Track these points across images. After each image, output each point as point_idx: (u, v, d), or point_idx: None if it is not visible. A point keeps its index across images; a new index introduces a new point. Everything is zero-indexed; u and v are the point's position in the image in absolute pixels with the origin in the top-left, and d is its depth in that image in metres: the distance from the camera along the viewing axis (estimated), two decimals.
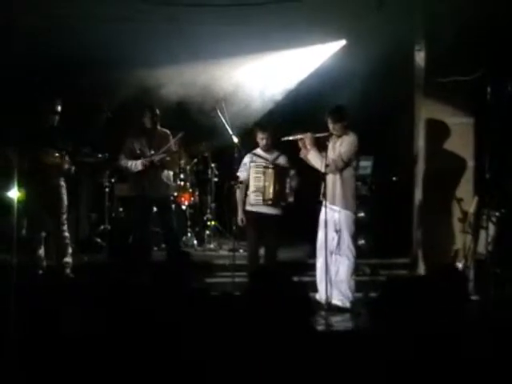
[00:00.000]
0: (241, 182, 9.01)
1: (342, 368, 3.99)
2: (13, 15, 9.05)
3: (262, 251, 9.15)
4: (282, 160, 9.12)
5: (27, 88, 9.65)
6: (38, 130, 9.28)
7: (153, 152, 9.55)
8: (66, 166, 9.40)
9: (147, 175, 9.53)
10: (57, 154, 9.33)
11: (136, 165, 9.52)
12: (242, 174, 9.17)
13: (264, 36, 9.86)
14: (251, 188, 9.00)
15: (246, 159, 9.21)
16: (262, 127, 9.23)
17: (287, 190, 9.00)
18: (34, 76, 9.86)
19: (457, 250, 9.18)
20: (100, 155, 9.94)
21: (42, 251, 9.33)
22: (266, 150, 9.15)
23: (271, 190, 8.92)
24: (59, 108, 9.37)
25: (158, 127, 9.70)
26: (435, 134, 9.74)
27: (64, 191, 9.45)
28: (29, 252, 9.18)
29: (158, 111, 9.67)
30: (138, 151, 9.59)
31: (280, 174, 8.97)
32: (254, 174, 9.02)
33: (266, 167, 8.98)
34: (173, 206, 10.21)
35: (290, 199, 9.01)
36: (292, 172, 9.02)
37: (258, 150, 9.20)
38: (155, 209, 9.86)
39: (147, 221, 9.73)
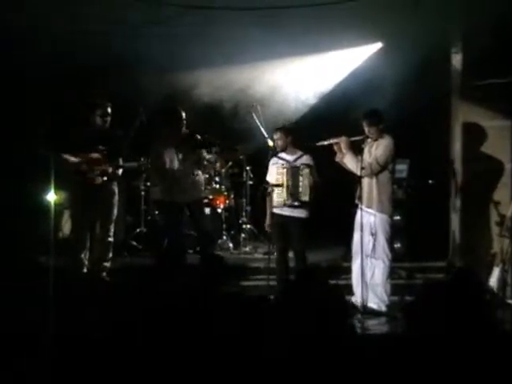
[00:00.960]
0: (273, 185, 9.02)
1: (378, 371, 3.97)
2: (49, 21, 9.12)
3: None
4: (304, 160, 9.09)
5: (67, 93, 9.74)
6: (90, 133, 9.39)
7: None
8: (114, 169, 9.47)
9: (176, 179, 9.51)
10: (99, 156, 9.40)
11: None
12: (268, 177, 9.23)
13: (299, 39, 9.85)
14: (269, 189, 9.04)
15: (270, 162, 9.25)
16: (276, 129, 9.28)
17: (300, 189, 8.96)
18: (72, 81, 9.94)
19: (494, 254, 9.10)
20: (142, 159, 9.94)
21: (85, 254, 9.39)
22: (287, 151, 9.15)
23: (285, 190, 8.94)
24: (109, 110, 9.46)
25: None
26: (472, 137, 9.67)
27: (117, 197, 9.54)
28: (72, 254, 9.28)
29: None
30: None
31: (292, 172, 8.97)
32: (275, 176, 9.07)
33: (282, 168, 9.03)
34: (206, 209, 10.25)
35: (304, 198, 8.94)
36: (305, 170, 8.96)
37: (282, 153, 9.21)
38: (187, 212, 9.83)
39: (178, 225, 9.71)
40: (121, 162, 9.56)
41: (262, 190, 9.22)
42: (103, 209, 9.45)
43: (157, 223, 11.22)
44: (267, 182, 9.18)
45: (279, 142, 9.15)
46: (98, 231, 9.51)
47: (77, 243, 9.39)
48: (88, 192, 9.30)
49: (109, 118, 9.46)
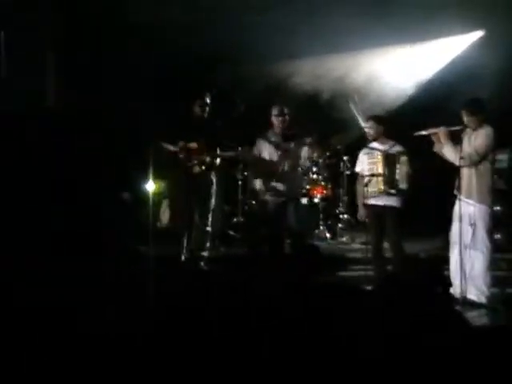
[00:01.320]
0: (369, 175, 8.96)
1: (480, 364, 3.95)
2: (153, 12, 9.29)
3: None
4: (397, 148, 9.03)
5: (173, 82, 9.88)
6: (187, 122, 9.55)
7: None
8: (212, 159, 9.61)
9: (278, 176, 9.51)
10: (196, 146, 9.54)
11: None
12: (358, 167, 9.19)
13: (400, 28, 9.79)
14: (366, 180, 8.98)
15: (361, 152, 9.21)
16: (369, 117, 9.25)
17: (397, 177, 8.88)
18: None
19: None
20: (240, 149, 10.03)
21: (183, 243, 9.53)
22: (379, 140, 9.08)
23: (380, 179, 8.87)
24: (209, 100, 9.59)
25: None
26: None
27: (214, 187, 9.68)
28: (173, 243, 9.44)
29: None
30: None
31: (388, 160, 8.89)
32: (368, 166, 9.01)
33: (376, 156, 8.96)
34: (304, 199, 10.27)
35: (402, 186, 8.87)
36: (403, 158, 8.88)
37: (373, 143, 9.15)
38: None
39: (278, 221, 9.66)
40: (218, 151, 9.66)
41: (358, 179, 9.20)
42: (201, 198, 9.58)
43: (254, 213, 11.31)
44: (356, 173, 9.17)
45: (371, 131, 9.10)
46: (196, 220, 9.65)
47: (176, 232, 9.55)
48: (186, 181, 9.44)
49: (207, 108, 9.59)
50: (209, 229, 9.63)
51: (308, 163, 10.20)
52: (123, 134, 9.53)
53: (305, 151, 9.65)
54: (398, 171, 8.87)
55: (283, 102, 9.55)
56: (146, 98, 9.96)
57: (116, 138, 9.95)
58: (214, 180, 9.70)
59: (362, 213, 9.13)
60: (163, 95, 10.05)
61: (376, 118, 9.13)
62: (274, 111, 9.42)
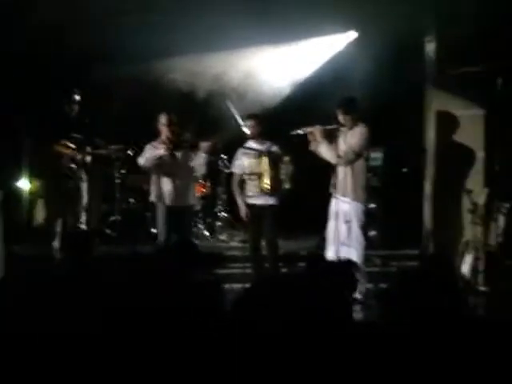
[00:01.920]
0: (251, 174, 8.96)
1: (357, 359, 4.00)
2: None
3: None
4: (274, 149, 9.09)
5: (45, 79, 9.70)
6: (57, 120, 9.39)
7: None
8: (82, 157, 9.52)
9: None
10: (71, 145, 9.45)
11: None
12: (236, 167, 9.18)
13: (275, 27, 9.88)
14: (246, 179, 9.00)
15: (239, 152, 9.21)
16: (250, 115, 9.24)
17: (282, 177, 8.99)
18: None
19: (467, 242, 9.18)
20: (113, 146, 9.93)
21: (57, 242, 9.37)
22: (257, 140, 9.08)
23: (267, 178, 8.88)
24: (77, 97, 9.46)
25: None
26: (445, 125, 9.74)
27: (85, 184, 9.57)
28: (45, 243, 9.27)
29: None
30: None
31: (273, 160, 8.94)
32: (247, 165, 9.00)
33: (259, 156, 8.95)
34: None
35: (287, 186, 9.00)
36: (286, 158, 9.01)
37: (250, 143, 9.18)
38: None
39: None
40: (89, 149, 9.57)
41: (236, 179, 9.19)
42: (72, 197, 9.49)
43: (132, 211, 11.22)
44: (235, 173, 9.20)
45: (251, 130, 9.11)
46: (69, 219, 9.56)
47: (50, 231, 9.42)
48: (57, 180, 9.33)
49: (76, 106, 9.49)
50: (83, 226, 9.53)
51: (203, 170, 10.05)
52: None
53: (198, 157, 9.55)
54: (282, 171, 8.95)
55: (171, 110, 9.39)
56: (18, 96, 9.68)
57: None
58: (85, 178, 9.58)
59: (244, 211, 9.12)
60: (36, 93, 9.79)
61: (256, 117, 9.16)
62: (163, 120, 9.23)
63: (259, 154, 8.94)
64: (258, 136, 9.06)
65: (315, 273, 5.21)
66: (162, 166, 9.05)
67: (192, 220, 9.71)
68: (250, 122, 9.12)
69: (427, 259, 8.69)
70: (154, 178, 9.23)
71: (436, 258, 8.79)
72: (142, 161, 9.08)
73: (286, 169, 8.95)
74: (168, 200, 9.13)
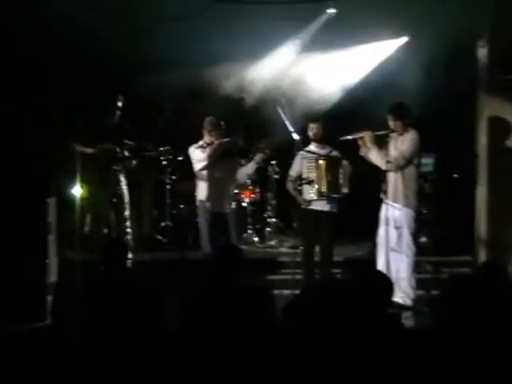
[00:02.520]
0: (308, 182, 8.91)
1: (403, 367, 3.98)
2: (76, 15, 9.15)
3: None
4: (334, 154, 9.06)
5: (93, 86, 9.79)
6: (101, 126, 9.50)
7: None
8: (128, 161, 9.63)
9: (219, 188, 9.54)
10: (118, 149, 9.56)
11: None
12: (292, 170, 9.18)
13: (325, 33, 9.88)
14: (304, 183, 8.97)
15: (297, 157, 9.19)
16: (313, 118, 9.18)
17: (340, 181, 8.92)
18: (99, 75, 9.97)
19: None
20: (162, 148, 10.00)
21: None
22: (318, 143, 9.07)
23: (324, 182, 8.86)
24: (120, 104, 9.57)
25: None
26: (498, 131, 9.62)
27: (125, 186, 9.68)
28: (93, 248, 9.35)
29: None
30: None
31: (332, 164, 8.90)
32: (306, 169, 8.95)
33: (317, 160, 8.90)
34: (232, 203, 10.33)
35: (345, 190, 8.92)
36: (345, 162, 8.94)
37: (310, 147, 9.16)
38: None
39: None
40: (126, 153, 9.71)
41: (290, 180, 9.18)
42: (114, 197, 9.71)
43: (182, 217, 11.26)
44: (290, 175, 9.18)
45: (316, 131, 9.01)
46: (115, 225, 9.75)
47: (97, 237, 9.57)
48: (98, 182, 9.51)
49: (119, 112, 9.61)
50: (129, 230, 9.64)
51: (246, 177, 10.14)
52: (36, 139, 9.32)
53: (248, 167, 9.62)
54: (341, 176, 8.90)
55: (216, 116, 9.49)
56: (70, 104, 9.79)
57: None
58: (124, 182, 9.71)
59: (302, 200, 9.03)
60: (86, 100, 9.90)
61: (318, 120, 9.08)
62: (209, 125, 9.37)
63: (318, 157, 8.92)
64: (319, 139, 9.04)
65: (356, 280, 5.19)
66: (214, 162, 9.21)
67: (235, 225, 9.69)
68: (311, 125, 9.06)
69: (479, 266, 8.59)
70: (199, 182, 9.34)
71: (487, 265, 8.71)
72: (198, 166, 9.23)
73: (344, 172, 8.87)
74: (219, 206, 9.22)
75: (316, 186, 8.85)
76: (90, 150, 9.42)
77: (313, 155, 9.01)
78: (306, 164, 8.98)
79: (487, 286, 4.20)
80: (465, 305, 4.05)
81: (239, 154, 9.71)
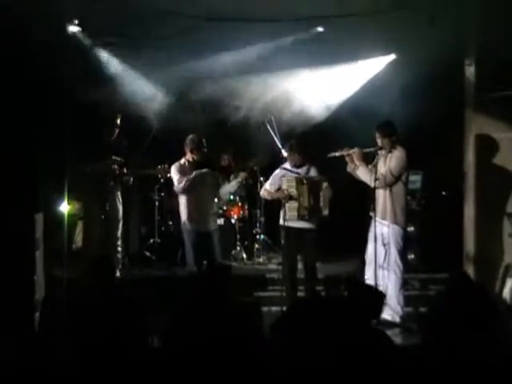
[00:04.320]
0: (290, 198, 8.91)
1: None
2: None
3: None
4: (312, 173, 9.09)
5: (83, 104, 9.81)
6: (101, 143, 9.53)
7: None
8: (125, 178, 9.64)
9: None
10: (115, 166, 9.57)
11: None
12: (271, 186, 9.19)
13: (312, 50, 9.92)
14: (284, 202, 8.94)
15: (277, 173, 9.21)
16: (293, 148, 9.17)
17: (321, 204, 8.94)
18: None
19: (507, 266, 9.10)
20: (159, 166, 10.06)
21: None
22: (296, 166, 9.13)
23: (306, 204, 8.86)
24: (119, 122, 9.60)
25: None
26: (485, 149, 9.66)
27: (120, 205, 9.69)
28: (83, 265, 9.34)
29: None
30: None
31: (313, 187, 8.92)
32: (287, 186, 8.95)
33: (298, 181, 8.91)
34: (220, 219, 10.30)
35: (325, 212, 8.95)
36: (325, 184, 8.96)
37: (288, 165, 9.19)
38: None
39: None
40: (131, 170, 9.74)
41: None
42: (108, 213, 9.70)
43: (171, 234, 11.25)
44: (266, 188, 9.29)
45: (294, 161, 9.09)
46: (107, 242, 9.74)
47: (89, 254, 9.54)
48: (94, 198, 9.52)
49: (116, 130, 9.65)
50: (119, 249, 9.64)
51: (228, 192, 10.15)
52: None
53: (231, 184, 9.63)
54: (321, 198, 8.91)
55: (198, 134, 9.47)
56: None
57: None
58: (120, 201, 9.73)
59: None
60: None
61: (297, 147, 9.10)
62: (192, 144, 9.32)
63: (298, 178, 8.92)
64: (298, 165, 9.06)
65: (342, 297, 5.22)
66: (191, 189, 9.19)
67: (221, 242, 9.65)
68: (289, 153, 9.09)
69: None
70: (182, 200, 9.33)
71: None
72: (182, 187, 9.17)
73: (324, 194, 8.89)
74: (201, 224, 9.21)
75: (297, 206, 8.86)
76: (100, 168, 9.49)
77: (292, 174, 9.04)
78: (287, 182, 8.99)
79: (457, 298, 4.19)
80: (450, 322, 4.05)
81: (221, 171, 9.70)
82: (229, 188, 9.90)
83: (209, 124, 10.21)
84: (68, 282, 7.91)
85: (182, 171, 9.26)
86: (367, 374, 3.99)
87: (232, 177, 11.15)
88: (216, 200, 9.79)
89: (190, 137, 9.34)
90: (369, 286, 6.63)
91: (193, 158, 9.29)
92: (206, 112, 10.39)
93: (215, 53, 9.82)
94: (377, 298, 5.33)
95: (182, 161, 9.37)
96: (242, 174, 9.71)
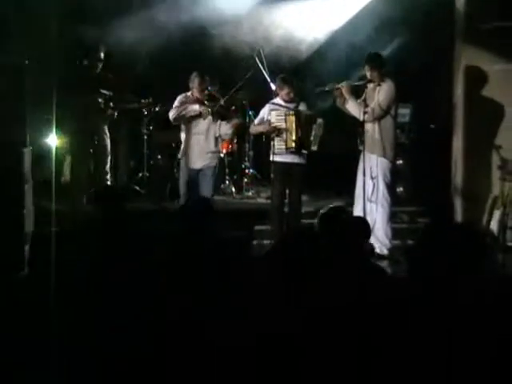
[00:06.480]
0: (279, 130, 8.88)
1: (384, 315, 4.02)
2: None
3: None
4: (302, 107, 9.02)
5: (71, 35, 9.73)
6: (83, 77, 9.47)
7: None
8: (110, 112, 9.61)
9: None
10: (100, 100, 9.53)
11: None
12: (260, 122, 9.17)
13: None
14: (274, 135, 8.92)
15: (265, 108, 9.13)
16: (287, 81, 9.02)
17: (311, 138, 8.91)
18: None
19: (495, 198, 9.14)
20: (143, 100, 9.95)
21: (84, 198, 9.54)
22: (286, 101, 9.04)
23: (294, 137, 8.82)
24: (102, 55, 9.53)
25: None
26: (475, 80, 9.62)
27: (108, 139, 9.70)
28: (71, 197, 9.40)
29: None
30: None
31: (302, 120, 8.86)
32: (276, 120, 8.91)
33: (287, 114, 8.85)
34: None
35: (314, 148, 8.89)
36: (319, 121, 8.91)
37: (278, 100, 9.09)
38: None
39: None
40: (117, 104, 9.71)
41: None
42: (95, 146, 9.84)
43: (160, 168, 11.24)
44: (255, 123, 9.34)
45: (290, 94, 8.95)
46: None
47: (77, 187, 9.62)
48: (80, 132, 9.56)
49: (100, 64, 9.60)
50: (108, 183, 9.69)
51: (228, 136, 10.00)
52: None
53: (227, 127, 9.53)
54: (312, 133, 8.86)
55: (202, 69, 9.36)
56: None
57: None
58: (108, 134, 9.82)
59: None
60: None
61: (290, 83, 8.95)
62: (191, 82, 9.18)
63: (287, 111, 8.88)
64: (287, 100, 8.99)
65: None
66: (193, 124, 9.12)
67: (214, 179, 9.61)
68: (285, 88, 8.96)
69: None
70: (183, 136, 9.27)
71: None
72: (174, 113, 9.07)
73: (316, 130, 8.85)
74: (192, 161, 9.18)
75: (286, 139, 8.83)
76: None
77: (282, 108, 8.97)
78: (276, 116, 8.93)
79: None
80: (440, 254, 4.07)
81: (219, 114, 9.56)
82: (226, 129, 9.71)
83: (193, 55, 10.13)
84: (62, 214, 7.90)
85: (183, 102, 9.18)
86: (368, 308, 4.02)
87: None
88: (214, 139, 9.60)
89: (193, 74, 9.21)
90: (357, 218, 6.68)
91: (196, 96, 9.18)
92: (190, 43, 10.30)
93: None
94: (366, 228, 5.39)
95: (189, 93, 9.27)
96: (235, 121, 9.59)
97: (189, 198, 9.04)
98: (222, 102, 9.19)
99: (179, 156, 9.42)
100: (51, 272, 4.72)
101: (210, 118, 9.13)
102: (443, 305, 3.72)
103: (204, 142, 9.27)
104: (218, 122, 9.24)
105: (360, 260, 4.97)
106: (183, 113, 9.04)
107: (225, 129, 9.34)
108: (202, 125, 9.18)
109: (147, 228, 8.26)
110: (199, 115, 9.03)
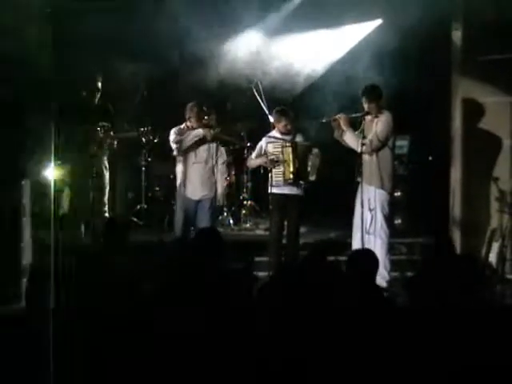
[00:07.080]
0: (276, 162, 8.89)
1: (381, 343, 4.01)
2: None
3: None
4: (298, 139, 9.02)
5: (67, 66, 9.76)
6: (81, 107, 9.49)
7: None
8: (109, 142, 9.61)
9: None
10: (100, 130, 9.54)
11: None
12: (257, 155, 9.17)
13: (299, 15, 9.88)
14: (271, 167, 8.90)
15: (262, 142, 9.13)
16: (284, 113, 9.02)
17: (308, 169, 8.93)
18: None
19: (494, 230, 9.14)
20: (142, 129, 9.97)
21: (83, 229, 9.53)
22: (282, 133, 9.03)
23: (292, 169, 8.82)
24: (100, 85, 9.55)
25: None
26: (472, 113, 9.66)
27: (106, 170, 9.69)
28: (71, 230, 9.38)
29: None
30: None
31: (299, 151, 8.86)
32: (273, 155, 8.90)
33: (283, 146, 8.85)
34: None
35: (312, 178, 8.91)
36: (315, 151, 8.93)
37: (274, 133, 9.09)
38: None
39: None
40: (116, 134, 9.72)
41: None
42: (98, 183, 9.74)
43: (158, 199, 11.22)
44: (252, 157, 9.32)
45: (288, 127, 8.95)
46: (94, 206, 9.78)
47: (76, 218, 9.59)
48: (79, 163, 9.56)
49: (98, 94, 9.62)
50: (106, 215, 9.66)
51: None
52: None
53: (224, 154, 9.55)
54: (310, 163, 8.88)
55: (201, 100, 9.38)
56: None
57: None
58: (106, 165, 9.74)
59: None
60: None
61: (288, 115, 8.95)
62: (189, 112, 9.15)
63: (284, 143, 8.89)
64: (284, 132, 9.00)
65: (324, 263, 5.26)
66: (192, 153, 9.11)
67: (212, 211, 9.58)
68: (284, 121, 8.98)
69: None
70: (180, 167, 9.26)
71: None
72: (177, 140, 9.04)
73: (313, 160, 8.86)
74: (190, 191, 9.16)
75: (283, 171, 8.84)
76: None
77: (279, 141, 8.96)
78: (273, 149, 8.94)
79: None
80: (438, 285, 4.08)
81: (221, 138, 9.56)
82: (223, 159, 9.69)
83: (194, 87, 10.15)
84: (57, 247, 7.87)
85: (180, 134, 9.15)
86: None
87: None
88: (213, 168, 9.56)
89: (189, 104, 9.21)
90: (367, 251, 6.68)
91: (190, 126, 9.16)
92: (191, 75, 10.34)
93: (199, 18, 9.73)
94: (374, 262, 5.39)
95: (183, 125, 9.25)
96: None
97: (193, 229, 9.05)
98: (219, 130, 9.21)
99: (177, 185, 9.38)
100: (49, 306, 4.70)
101: (209, 145, 9.13)
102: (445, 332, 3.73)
103: (203, 171, 9.26)
104: (217, 150, 9.25)
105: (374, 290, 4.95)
106: (187, 139, 9.03)
107: (221, 159, 9.36)
108: (201, 153, 9.18)
109: (146, 260, 8.26)
110: (203, 139, 9.02)
